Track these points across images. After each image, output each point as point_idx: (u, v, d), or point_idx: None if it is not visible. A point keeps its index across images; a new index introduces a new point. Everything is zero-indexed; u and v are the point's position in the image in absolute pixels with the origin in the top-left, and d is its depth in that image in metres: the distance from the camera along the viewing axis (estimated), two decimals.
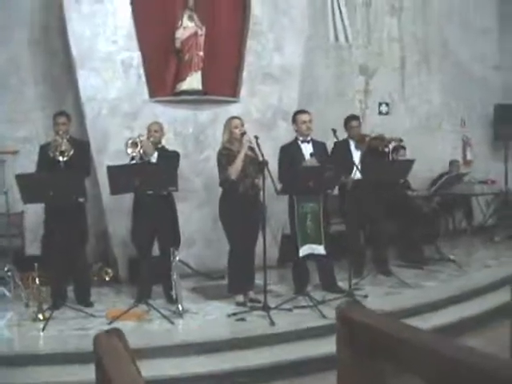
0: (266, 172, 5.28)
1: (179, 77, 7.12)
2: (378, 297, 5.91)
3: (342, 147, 6.24)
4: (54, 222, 5.60)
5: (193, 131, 7.14)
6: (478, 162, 9.77)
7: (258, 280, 6.41)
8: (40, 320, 5.22)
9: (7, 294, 5.98)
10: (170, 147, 6.98)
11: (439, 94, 9.27)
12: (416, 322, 5.14)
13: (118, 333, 2.99)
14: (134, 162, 5.49)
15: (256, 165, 5.67)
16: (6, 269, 5.99)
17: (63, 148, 5.37)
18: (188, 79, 7.09)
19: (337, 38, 8.46)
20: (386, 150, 6.40)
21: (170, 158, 5.79)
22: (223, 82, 7.33)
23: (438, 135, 9.31)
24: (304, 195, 5.54)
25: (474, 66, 9.50)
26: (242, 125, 5.85)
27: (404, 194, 7.12)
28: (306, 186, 5.34)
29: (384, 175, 6.20)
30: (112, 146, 6.71)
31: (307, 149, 5.99)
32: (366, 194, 6.32)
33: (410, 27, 8.95)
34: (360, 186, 6.24)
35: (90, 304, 5.77)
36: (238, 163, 5.62)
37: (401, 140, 6.50)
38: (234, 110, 7.21)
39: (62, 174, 5.30)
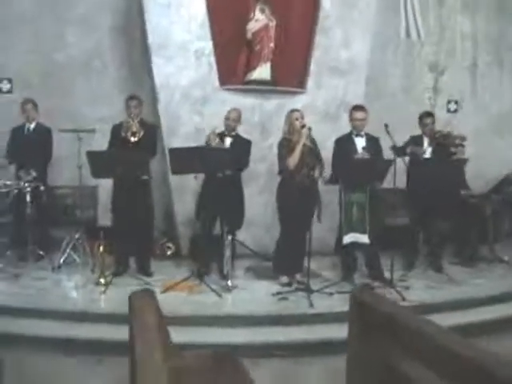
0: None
1: (249, 67, 7.43)
2: (420, 289, 6.07)
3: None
4: (120, 196, 6.11)
5: (259, 119, 7.45)
6: None
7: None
8: (102, 284, 5.76)
9: (77, 259, 6.56)
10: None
11: (511, 93, 9.14)
12: (451, 317, 5.36)
13: (150, 293, 3.38)
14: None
15: (314, 156, 5.98)
16: (76, 236, 6.56)
17: (134, 129, 5.86)
18: (258, 69, 7.40)
19: (408, 34, 8.51)
20: (453, 149, 6.49)
21: (242, 145, 6.21)
22: (291, 73, 7.59)
23: (509, 135, 9.18)
24: (351, 186, 5.78)
25: None
26: (303, 117, 6.13)
27: (457, 193, 7.15)
28: (354, 177, 5.58)
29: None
30: (182, 130, 7.18)
31: (360, 143, 6.22)
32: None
33: (484, 26, 8.87)
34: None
35: (149, 274, 6.25)
36: (297, 154, 5.90)
37: (463, 138, 6.56)
38: (299, 100, 7.50)
39: (128, 153, 5.76)
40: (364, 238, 5.74)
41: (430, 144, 6.64)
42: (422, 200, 6.53)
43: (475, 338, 5.13)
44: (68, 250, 6.52)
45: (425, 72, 8.75)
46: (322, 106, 7.56)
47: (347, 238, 5.75)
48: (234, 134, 6.36)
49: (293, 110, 6.22)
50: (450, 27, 8.78)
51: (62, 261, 6.48)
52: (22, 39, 7.59)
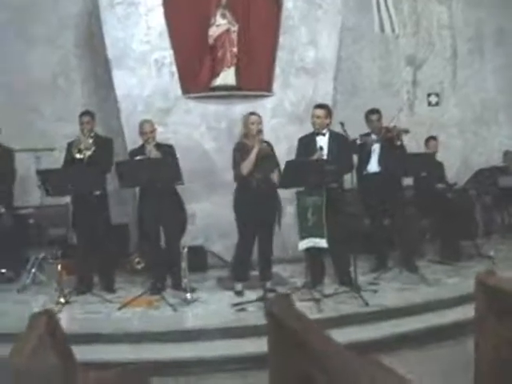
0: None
1: (213, 73, 7.33)
2: (389, 292, 5.84)
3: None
4: (78, 213, 6.06)
5: (226, 126, 7.32)
6: None
7: (282, 272, 6.70)
8: (61, 303, 5.67)
9: (44, 279, 6.50)
10: (203, 141, 7.31)
11: (494, 82, 8.83)
12: (419, 319, 5.16)
13: (49, 314, 3.27)
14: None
15: (271, 160, 5.82)
16: (41, 256, 6.51)
17: (81, 146, 5.80)
18: (222, 75, 7.29)
19: (382, 29, 8.28)
20: (398, 142, 6.30)
21: (169, 154, 6.01)
22: (257, 76, 7.46)
23: (494, 126, 8.88)
24: (304, 188, 5.60)
25: None
26: (260, 122, 5.96)
27: (431, 188, 6.90)
28: (304, 180, 5.40)
29: (398, 168, 6.18)
30: None
31: (321, 142, 6.01)
32: (380, 187, 6.30)
33: (461, 13, 8.58)
34: (376, 179, 6.35)
35: (112, 290, 6.14)
36: (251, 159, 5.75)
37: (406, 131, 6.35)
38: (267, 104, 7.38)
39: (79, 169, 5.71)
40: (322, 243, 5.52)
41: (377, 141, 6.44)
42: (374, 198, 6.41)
43: (439, 341, 4.99)
44: (33, 270, 6.45)
45: (402, 66, 8.52)
46: (290, 107, 7.41)
47: (304, 244, 5.54)
48: (154, 143, 6.08)
49: (250, 114, 6.06)
50: (426, 17, 8.55)
51: (28, 281, 6.41)
52: None
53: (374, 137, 6.49)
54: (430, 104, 8.61)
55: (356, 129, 6.61)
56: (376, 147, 6.45)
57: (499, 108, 9.02)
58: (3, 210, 6.38)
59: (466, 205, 7.10)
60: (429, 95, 8.62)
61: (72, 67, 7.74)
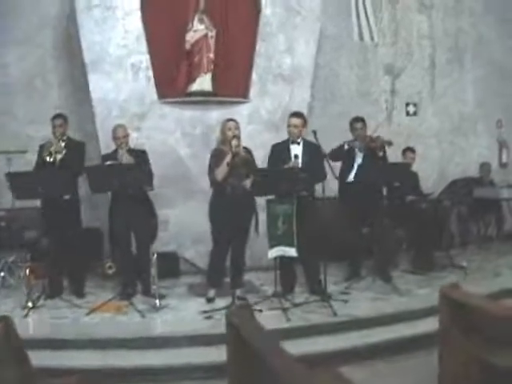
0: None
1: (190, 78, 7.30)
2: (359, 301, 5.82)
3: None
4: (48, 217, 5.99)
5: (201, 131, 7.29)
6: None
7: (255, 280, 6.68)
8: (29, 307, 5.59)
9: (12, 282, 6.44)
10: (178, 147, 7.27)
11: (473, 93, 8.87)
12: (389, 329, 5.14)
13: (6, 321, 3.24)
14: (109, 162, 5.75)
15: (248, 166, 5.80)
16: (10, 259, 6.44)
17: (52, 149, 5.75)
18: (198, 80, 7.26)
19: (361, 37, 8.31)
20: (381, 153, 6.30)
21: (142, 159, 5.99)
22: (234, 83, 7.45)
23: (472, 137, 8.91)
24: (275, 197, 5.59)
25: (511, 62, 8.98)
26: (237, 128, 5.95)
27: (401, 198, 6.91)
28: (275, 188, 5.39)
29: (378, 178, 6.17)
30: None
31: (296, 150, 6.00)
32: (361, 196, 6.28)
33: (441, 23, 8.60)
34: (354, 188, 6.31)
35: (82, 295, 6.09)
36: (224, 165, 5.72)
37: (389, 143, 6.34)
38: (243, 110, 7.36)
39: (49, 173, 5.65)
40: (292, 252, 5.50)
41: (360, 150, 6.44)
42: (356, 207, 6.38)
43: (410, 352, 4.97)
44: (2, 274, 6.40)
45: (381, 75, 8.52)
46: (266, 114, 7.40)
47: (273, 252, 5.51)
48: (127, 148, 6.06)
49: (227, 120, 6.04)
50: (406, 27, 8.56)
51: None
52: None
53: (357, 143, 6.48)
54: (408, 114, 8.63)
55: (332, 136, 6.64)
56: (359, 156, 6.44)
57: (478, 119, 9.06)
58: None
59: (439, 215, 7.10)
60: (407, 105, 8.63)
61: (49, 69, 7.66)
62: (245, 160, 5.84)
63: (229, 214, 5.65)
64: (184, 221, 7.23)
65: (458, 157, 8.79)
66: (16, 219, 6.65)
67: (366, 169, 6.31)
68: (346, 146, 6.39)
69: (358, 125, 6.63)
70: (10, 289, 6.39)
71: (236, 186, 5.75)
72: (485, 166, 8.46)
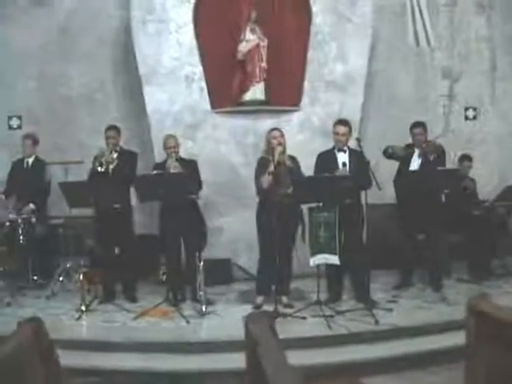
0: None
1: (243, 88, 7.44)
2: (406, 310, 5.75)
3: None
4: (101, 225, 6.26)
5: (253, 140, 7.38)
6: None
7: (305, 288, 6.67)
8: (82, 311, 5.85)
9: (70, 287, 6.74)
10: (230, 156, 7.40)
11: None
12: (430, 340, 5.05)
13: (37, 323, 3.42)
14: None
15: (293, 175, 5.85)
16: (68, 265, 6.75)
17: (103, 160, 5.99)
18: (251, 90, 7.39)
19: (417, 42, 8.17)
20: (431, 157, 6.17)
21: (191, 168, 6.14)
22: (286, 91, 7.51)
23: None
24: (317, 204, 5.58)
25: None
26: (282, 136, 6.01)
27: (454, 205, 6.72)
28: (317, 196, 5.40)
29: (427, 185, 6.06)
30: None
31: (343, 158, 5.99)
32: (420, 202, 6.19)
33: (501, 25, 8.33)
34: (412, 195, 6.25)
35: (134, 300, 6.31)
36: (268, 173, 5.79)
37: (439, 148, 6.21)
38: (294, 118, 7.41)
39: (100, 183, 5.89)
40: (334, 259, 5.50)
41: (419, 155, 6.33)
42: (413, 214, 6.25)
43: (449, 363, 4.85)
44: (61, 279, 6.70)
45: (438, 79, 8.34)
46: (318, 121, 7.40)
47: (315, 260, 5.53)
48: (177, 158, 6.21)
49: (272, 129, 6.12)
50: (464, 30, 8.34)
51: (56, 289, 6.66)
52: (29, 77, 7.95)
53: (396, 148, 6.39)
54: (467, 118, 8.40)
55: (391, 142, 6.60)
56: (415, 161, 6.35)
57: None
58: (34, 220, 6.65)
59: (493, 222, 6.88)
60: (466, 109, 8.41)
61: (108, 82, 7.98)
62: (288, 169, 5.90)
63: (275, 222, 5.71)
64: (237, 228, 7.34)
65: None
66: (72, 227, 6.94)
67: (417, 175, 6.21)
68: (389, 151, 6.30)
69: (417, 130, 6.51)
70: (69, 293, 6.69)
71: (284, 194, 5.80)
72: None
